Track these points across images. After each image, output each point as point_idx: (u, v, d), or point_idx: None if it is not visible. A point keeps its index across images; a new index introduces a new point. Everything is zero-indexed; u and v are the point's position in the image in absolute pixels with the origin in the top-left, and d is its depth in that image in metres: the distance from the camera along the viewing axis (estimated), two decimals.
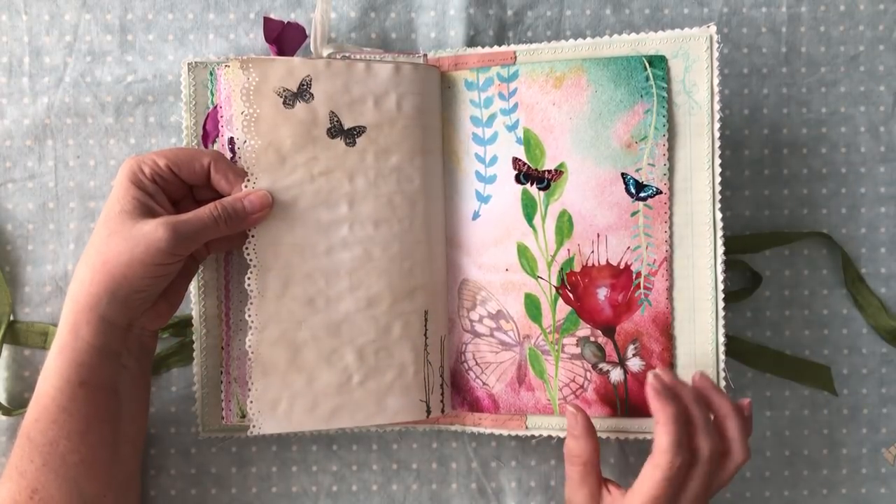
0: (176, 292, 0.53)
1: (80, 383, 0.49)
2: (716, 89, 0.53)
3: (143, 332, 0.52)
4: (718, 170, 0.53)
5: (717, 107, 0.53)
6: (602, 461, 0.60)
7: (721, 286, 0.53)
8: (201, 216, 0.49)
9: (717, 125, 0.53)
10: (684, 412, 0.49)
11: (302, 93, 0.52)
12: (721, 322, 0.53)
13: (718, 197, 0.53)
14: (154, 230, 0.48)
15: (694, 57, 0.53)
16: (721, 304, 0.53)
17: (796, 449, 0.61)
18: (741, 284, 0.61)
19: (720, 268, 0.53)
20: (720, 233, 0.53)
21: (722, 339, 0.53)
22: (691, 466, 0.48)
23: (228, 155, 0.54)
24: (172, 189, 0.51)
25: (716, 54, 0.53)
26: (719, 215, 0.53)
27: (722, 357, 0.53)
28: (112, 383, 0.51)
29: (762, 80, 0.61)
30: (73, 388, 0.49)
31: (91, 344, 0.49)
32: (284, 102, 0.52)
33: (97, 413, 0.50)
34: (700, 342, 0.54)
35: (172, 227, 0.48)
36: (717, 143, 0.53)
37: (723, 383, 0.53)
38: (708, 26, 0.53)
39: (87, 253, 0.49)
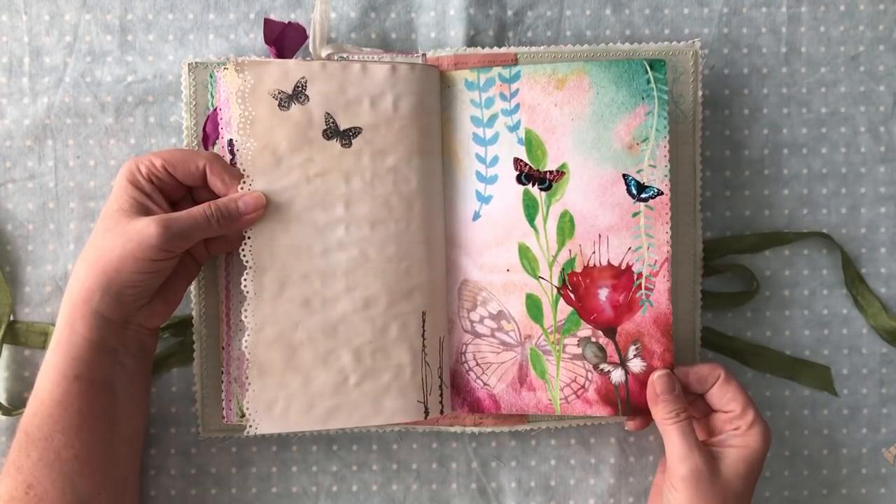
0: (174, 291, 0.53)
1: (75, 377, 0.50)
2: (700, 100, 0.57)
3: (140, 329, 0.53)
4: (700, 174, 0.58)
5: (700, 116, 0.58)
6: (602, 461, 0.61)
7: (700, 285, 0.58)
8: (194, 215, 0.50)
9: (699, 133, 0.58)
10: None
11: (297, 95, 0.52)
12: (699, 321, 0.58)
13: (700, 200, 0.58)
14: (146, 226, 0.48)
15: (681, 69, 0.57)
16: (700, 304, 0.58)
17: (796, 449, 0.61)
18: (741, 287, 0.61)
19: (699, 267, 0.58)
20: (701, 234, 0.58)
21: (699, 334, 0.59)
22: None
23: (228, 157, 0.54)
24: (170, 189, 0.52)
25: (700, 68, 0.57)
26: (700, 216, 0.58)
27: (698, 353, 0.59)
28: (108, 380, 0.51)
29: (762, 80, 0.61)
30: (68, 383, 0.50)
31: (86, 338, 0.50)
32: (280, 104, 0.52)
33: (92, 409, 0.50)
34: (681, 339, 0.58)
35: (164, 223, 0.49)
36: (699, 150, 0.58)
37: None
38: (693, 42, 0.57)
39: (84, 250, 0.51)
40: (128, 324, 0.52)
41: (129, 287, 0.50)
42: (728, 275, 0.61)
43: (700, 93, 0.57)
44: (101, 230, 0.50)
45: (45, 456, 0.49)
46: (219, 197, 0.52)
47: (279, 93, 0.52)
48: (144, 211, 0.50)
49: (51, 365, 0.50)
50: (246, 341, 0.52)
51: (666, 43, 0.58)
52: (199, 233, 0.50)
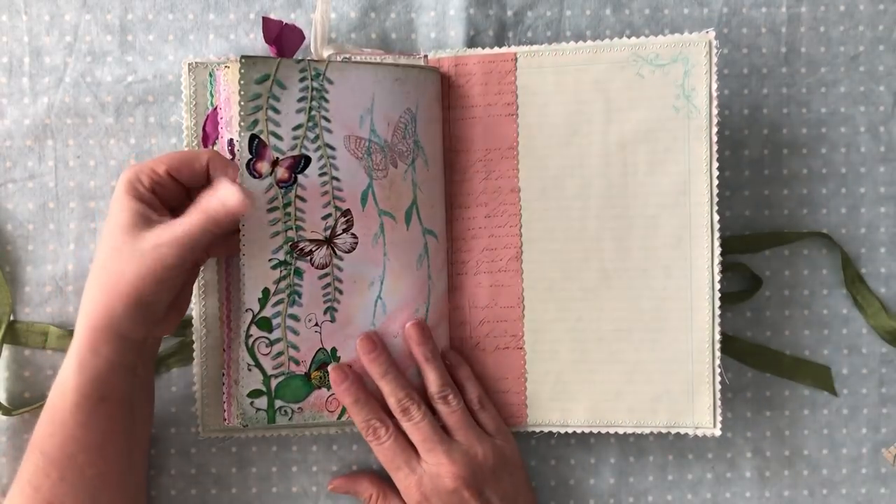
0: (184, 298, 0.53)
1: (100, 399, 0.49)
2: (714, 94, 0.54)
3: (154, 340, 0.53)
4: (716, 172, 0.54)
5: (714, 111, 0.54)
6: (602, 461, 0.61)
7: (718, 286, 0.55)
8: (193, 222, 0.48)
9: (714, 129, 0.54)
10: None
11: None
12: (717, 320, 0.55)
13: (716, 199, 0.54)
14: (157, 246, 0.47)
15: (693, 62, 0.54)
16: (717, 304, 0.55)
17: (796, 449, 0.61)
18: (741, 286, 0.61)
19: (717, 268, 0.54)
20: (717, 234, 0.55)
21: (718, 337, 0.55)
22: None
23: (228, 157, 0.53)
24: (171, 195, 0.51)
25: (714, 59, 0.54)
26: (717, 217, 0.54)
27: (717, 353, 0.55)
28: (129, 396, 0.51)
29: (762, 80, 0.61)
30: (92, 404, 0.49)
31: (111, 361, 0.49)
32: None
33: (114, 427, 0.50)
34: (697, 339, 0.55)
35: (176, 241, 0.47)
36: (715, 147, 0.54)
37: (717, 378, 0.55)
38: (707, 32, 0.54)
39: (95, 271, 0.49)
40: (146, 339, 0.51)
41: (151, 305, 0.49)
42: (728, 274, 0.61)
43: (714, 86, 0.54)
44: (108, 249, 0.49)
45: (67, 475, 0.49)
46: None
47: None
48: (147, 222, 0.48)
49: (72, 388, 0.49)
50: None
51: (677, 34, 0.55)
52: (205, 238, 0.48)
